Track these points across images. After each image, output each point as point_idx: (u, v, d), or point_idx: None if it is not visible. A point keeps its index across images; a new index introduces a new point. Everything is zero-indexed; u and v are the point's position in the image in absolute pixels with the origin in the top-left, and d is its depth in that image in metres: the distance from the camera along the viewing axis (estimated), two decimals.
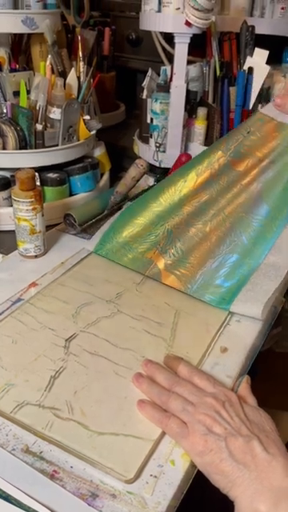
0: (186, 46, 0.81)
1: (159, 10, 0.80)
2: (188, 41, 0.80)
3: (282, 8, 0.88)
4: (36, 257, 0.71)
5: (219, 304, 0.62)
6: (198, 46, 0.86)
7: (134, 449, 0.42)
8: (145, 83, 0.92)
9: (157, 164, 0.91)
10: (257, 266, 0.63)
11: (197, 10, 0.72)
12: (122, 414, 0.46)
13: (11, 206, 0.70)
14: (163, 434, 0.44)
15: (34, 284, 0.65)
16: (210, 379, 0.48)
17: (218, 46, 0.87)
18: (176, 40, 0.81)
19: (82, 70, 0.85)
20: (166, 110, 0.86)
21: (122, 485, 0.40)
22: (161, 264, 0.67)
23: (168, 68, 0.89)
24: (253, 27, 0.87)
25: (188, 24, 0.76)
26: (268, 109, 0.69)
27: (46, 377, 0.50)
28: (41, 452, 0.42)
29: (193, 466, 0.42)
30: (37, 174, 0.76)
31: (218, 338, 0.57)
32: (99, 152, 0.93)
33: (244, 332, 0.58)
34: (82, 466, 0.41)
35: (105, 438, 0.43)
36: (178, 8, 0.76)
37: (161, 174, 0.92)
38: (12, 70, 0.84)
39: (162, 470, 0.41)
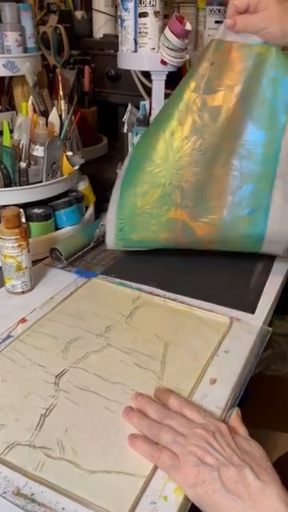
0: (163, 82, 0.84)
1: (135, 50, 0.83)
2: (164, 78, 0.83)
3: None
4: (23, 293, 0.72)
5: (255, 239, 0.68)
6: (176, 77, 0.90)
7: (126, 486, 0.42)
8: (125, 118, 0.94)
9: None
10: (273, 186, 0.65)
11: (171, 49, 0.76)
12: (114, 450, 0.46)
13: None
14: (155, 469, 0.44)
15: (23, 320, 0.65)
16: (200, 411, 0.48)
17: None
18: (153, 77, 0.84)
19: (63, 108, 0.88)
20: None
21: None
22: (187, 218, 0.68)
23: (147, 102, 0.92)
24: None
25: (163, 63, 0.79)
26: (222, 33, 0.64)
27: (37, 415, 0.49)
28: (32, 494, 0.41)
29: (186, 500, 0.42)
30: (22, 210, 0.77)
31: (208, 369, 0.57)
32: (83, 185, 0.95)
33: (233, 362, 0.58)
34: (74, 507, 0.40)
35: (97, 476, 0.43)
36: (153, 48, 0.79)
37: None
38: None
39: (155, 507, 0.41)
